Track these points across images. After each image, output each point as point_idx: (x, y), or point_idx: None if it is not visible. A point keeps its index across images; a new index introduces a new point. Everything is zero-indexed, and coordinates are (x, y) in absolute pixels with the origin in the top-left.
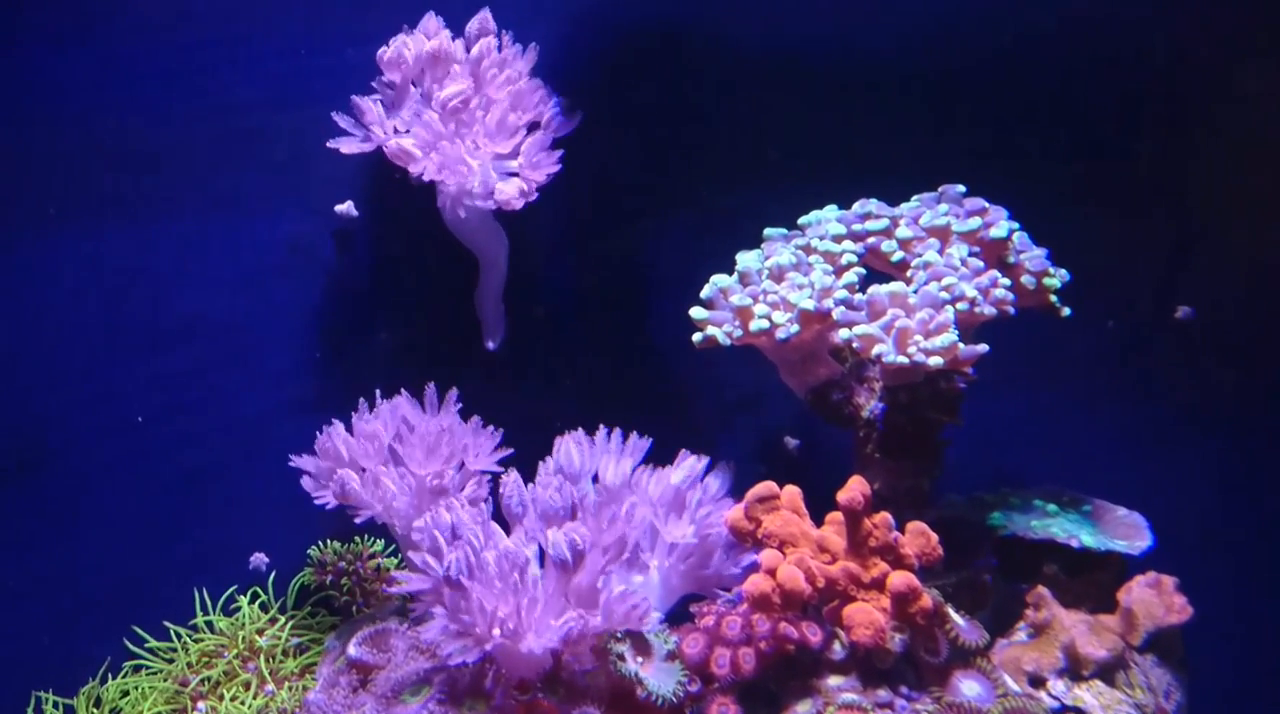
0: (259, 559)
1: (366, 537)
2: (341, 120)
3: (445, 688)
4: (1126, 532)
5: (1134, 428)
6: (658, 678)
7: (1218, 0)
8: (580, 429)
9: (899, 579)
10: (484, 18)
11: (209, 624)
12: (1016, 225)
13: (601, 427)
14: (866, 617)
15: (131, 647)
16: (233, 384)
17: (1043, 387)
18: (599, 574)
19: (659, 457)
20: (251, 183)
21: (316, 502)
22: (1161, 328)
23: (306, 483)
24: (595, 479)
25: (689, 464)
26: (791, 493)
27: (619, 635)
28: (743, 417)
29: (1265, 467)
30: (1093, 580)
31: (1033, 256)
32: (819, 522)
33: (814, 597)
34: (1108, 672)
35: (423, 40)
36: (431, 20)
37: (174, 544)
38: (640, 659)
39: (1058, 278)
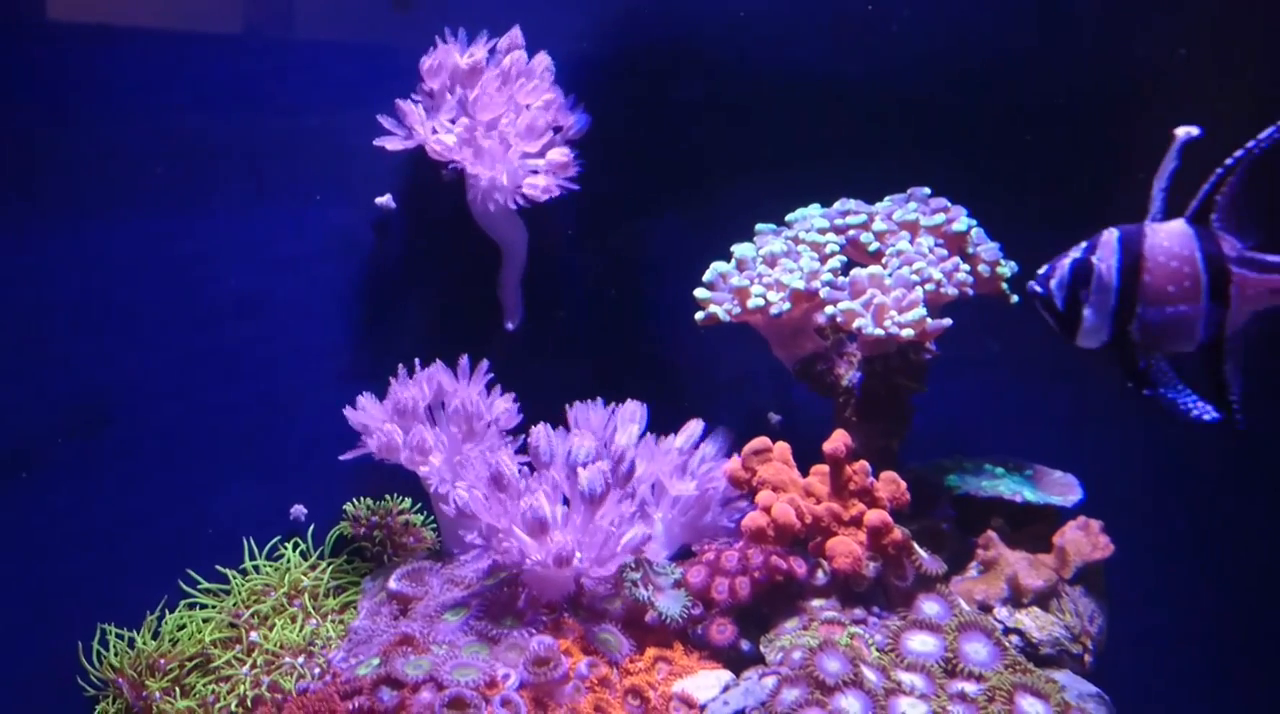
0: (299, 510)
1: (395, 495)
2: (386, 122)
3: (482, 608)
4: (1062, 489)
5: (1071, 406)
6: (666, 602)
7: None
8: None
9: (874, 515)
10: (514, 34)
11: (255, 569)
12: (975, 222)
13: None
14: (846, 547)
15: (186, 588)
16: (279, 356)
17: (996, 371)
18: (617, 513)
19: (659, 427)
20: (301, 177)
21: (359, 454)
22: None
23: (356, 421)
24: (607, 444)
25: (691, 429)
26: (782, 447)
27: (633, 565)
28: (732, 394)
29: (1180, 436)
30: (1033, 532)
31: (988, 248)
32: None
33: (802, 532)
34: (1043, 600)
35: (460, 52)
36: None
37: (222, 499)
38: (651, 586)
39: (1008, 268)
